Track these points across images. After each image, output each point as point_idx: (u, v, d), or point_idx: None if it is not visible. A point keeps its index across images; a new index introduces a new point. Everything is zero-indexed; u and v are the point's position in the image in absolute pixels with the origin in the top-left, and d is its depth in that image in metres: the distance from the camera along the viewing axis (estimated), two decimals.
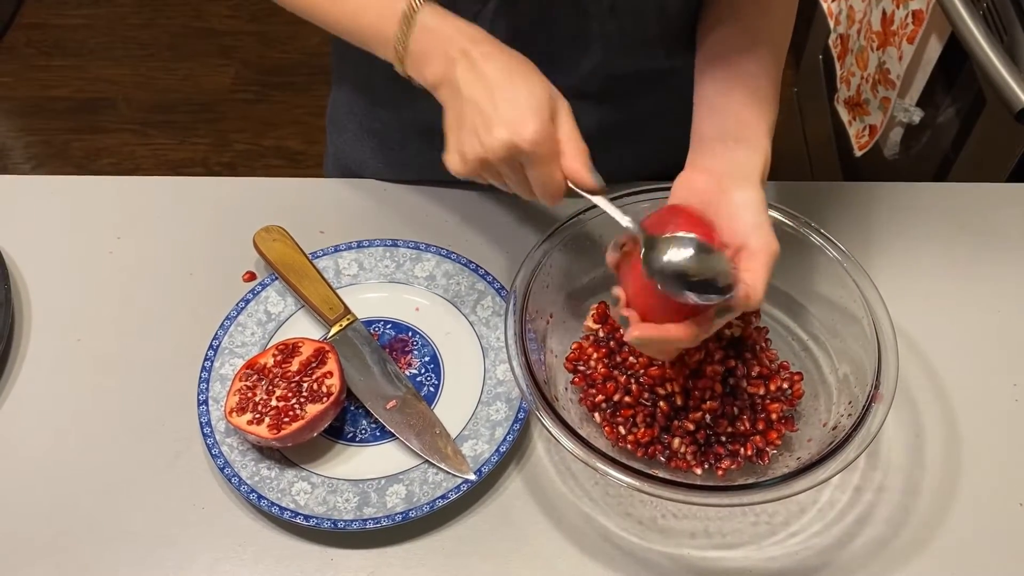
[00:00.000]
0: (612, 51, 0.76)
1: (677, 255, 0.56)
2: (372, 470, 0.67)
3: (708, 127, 0.66)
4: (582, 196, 0.59)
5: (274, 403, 0.67)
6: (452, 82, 0.58)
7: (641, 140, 0.85)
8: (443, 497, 0.65)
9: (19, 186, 0.88)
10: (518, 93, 0.56)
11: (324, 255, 0.79)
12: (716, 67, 0.69)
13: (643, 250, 0.56)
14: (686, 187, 0.63)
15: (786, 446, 0.67)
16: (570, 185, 0.59)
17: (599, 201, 0.59)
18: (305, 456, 0.68)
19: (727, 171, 0.62)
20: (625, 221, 0.58)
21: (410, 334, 0.76)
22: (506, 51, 0.59)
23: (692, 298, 0.55)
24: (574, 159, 0.58)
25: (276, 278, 0.77)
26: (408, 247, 0.79)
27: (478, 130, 0.57)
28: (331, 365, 0.69)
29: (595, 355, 0.69)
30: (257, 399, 0.67)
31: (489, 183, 0.61)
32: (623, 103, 0.82)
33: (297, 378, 0.68)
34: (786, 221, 0.71)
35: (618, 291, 0.61)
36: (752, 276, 0.57)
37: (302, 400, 0.67)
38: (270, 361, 0.69)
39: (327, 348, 0.70)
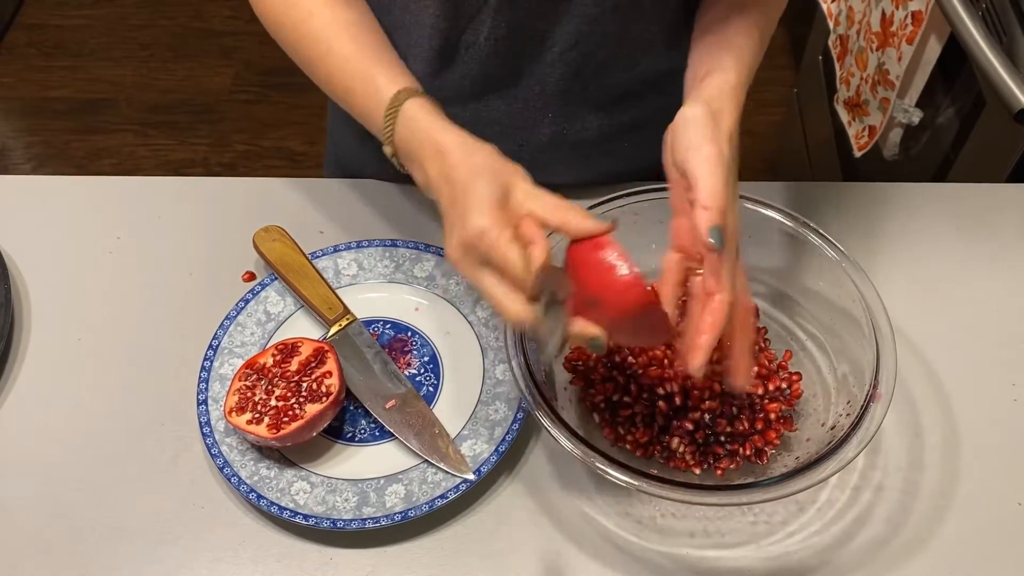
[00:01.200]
0: (612, 53, 0.76)
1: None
2: (371, 470, 0.67)
3: (686, 83, 0.68)
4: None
5: (273, 403, 0.67)
6: (435, 190, 0.61)
7: (642, 142, 0.85)
8: (442, 497, 0.65)
9: (19, 186, 0.88)
10: (469, 196, 0.58)
11: (323, 255, 0.79)
12: (702, 37, 0.70)
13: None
14: (665, 144, 0.63)
15: (785, 446, 0.67)
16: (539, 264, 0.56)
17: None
18: (304, 456, 0.68)
19: (708, 97, 0.62)
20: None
21: (409, 334, 0.76)
22: (470, 146, 0.60)
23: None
24: (570, 215, 0.57)
25: (276, 278, 0.77)
26: (407, 247, 0.79)
27: (447, 236, 0.59)
28: (330, 365, 0.69)
29: (594, 355, 0.69)
30: (256, 399, 0.67)
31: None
32: (624, 107, 0.82)
33: (296, 378, 0.68)
34: (785, 221, 0.71)
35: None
36: (701, 187, 0.57)
37: (301, 400, 0.67)
38: (269, 361, 0.69)
39: (326, 348, 0.70)
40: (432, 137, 0.61)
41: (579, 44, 0.74)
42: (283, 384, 0.68)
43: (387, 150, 0.65)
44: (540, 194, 0.58)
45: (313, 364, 0.69)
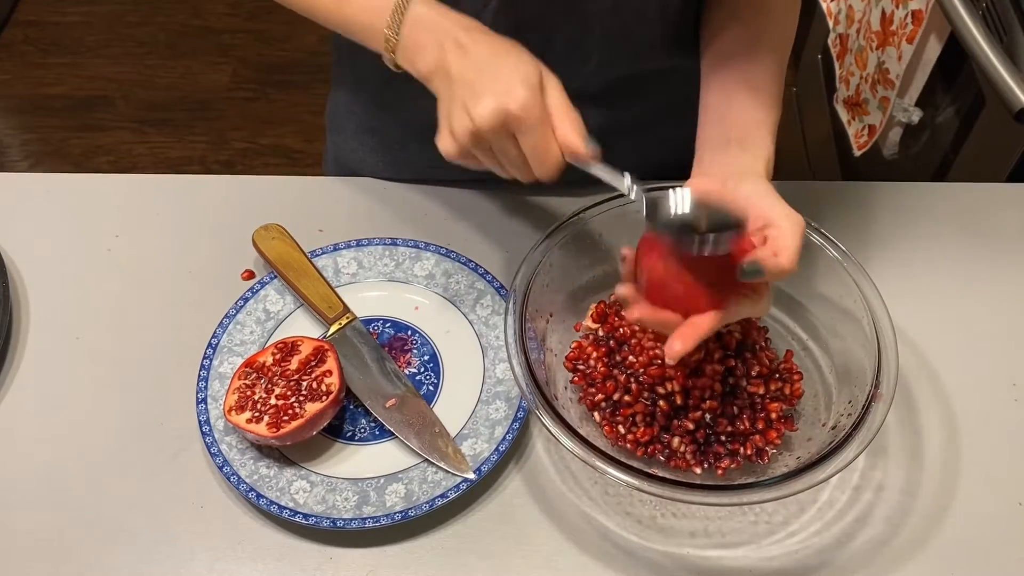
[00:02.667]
0: (614, 51, 0.76)
1: (680, 204, 0.57)
2: (371, 469, 0.67)
3: (711, 133, 0.67)
4: (579, 167, 0.58)
5: (273, 402, 0.66)
6: (444, 68, 0.59)
7: (642, 139, 0.85)
8: (442, 496, 0.65)
9: (18, 184, 0.87)
10: (505, 66, 0.56)
11: (323, 254, 0.79)
12: (719, 73, 0.70)
13: (645, 211, 0.57)
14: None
15: (786, 445, 0.67)
16: (566, 158, 0.58)
17: (596, 169, 0.58)
18: (304, 455, 0.68)
19: (731, 173, 0.63)
20: (624, 185, 0.58)
21: (409, 333, 0.75)
22: (496, 35, 0.59)
23: (708, 244, 0.55)
24: (566, 127, 0.58)
25: (275, 276, 0.77)
26: (407, 246, 0.79)
27: (467, 104, 0.57)
28: (330, 364, 0.69)
29: (595, 354, 0.69)
30: (256, 397, 0.67)
31: (486, 170, 0.61)
32: (625, 104, 0.82)
33: (296, 377, 0.68)
34: None
35: (624, 290, 0.61)
36: (781, 241, 0.58)
37: (301, 399, 0.67)
38: (269, 360, 0.69)
39: (326, 347, 0.70)
40: (456, 18, 0.59)
41: (579, 43, 0.74)
42: (283, 383, 0.68)
43: (386, 52, 0.62)
44: (570, 107, 0.58)
45: (313, 363, 0.69)
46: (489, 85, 0.56)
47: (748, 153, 0.64)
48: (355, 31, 0.65)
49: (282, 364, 0.69)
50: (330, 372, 0.68)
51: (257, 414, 0.66)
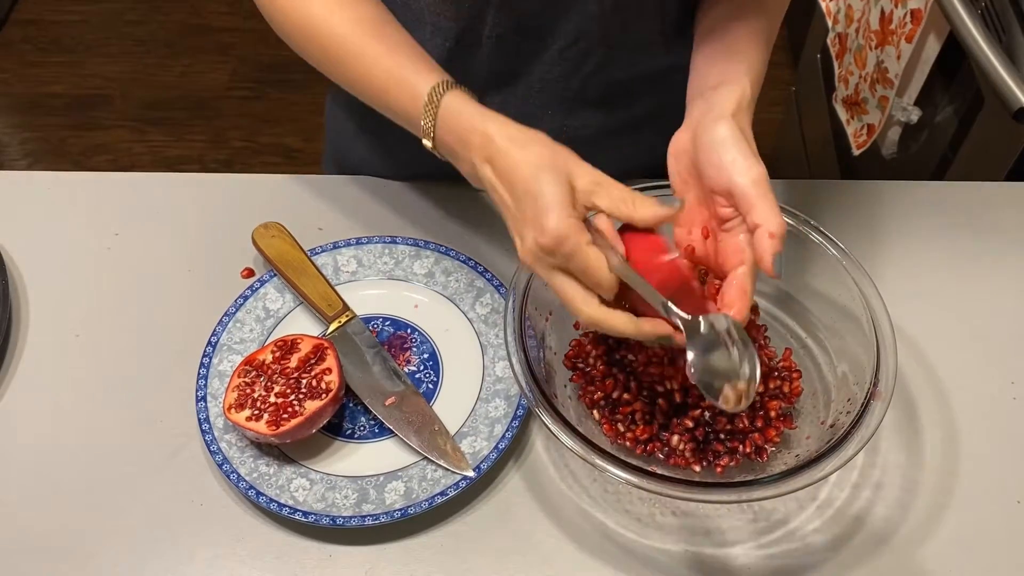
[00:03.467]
0: (614, 51, 0.76)
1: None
2: (371, 467, 0.67)
3: (691, 90, 0.67)
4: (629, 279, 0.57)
5: (273, 399, 0.67)
6: (484, 184, 0.60)
7: (641, 137, 0.85)
8: (442, 494, 0.65)
9: (18, 182, 0.87)
10: (529, 195, 0.57)
11: (323, 252, 0.79)
12: (706, 41, 0.70)
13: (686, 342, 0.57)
14: (673, 152, 0.64)
15: (785, 443, 0.67)
16: (620, 270, 0.57)
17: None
18: (304, 453, 0.68)
19: (699, 120, 0.62)
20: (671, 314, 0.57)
21: (409, 331, 0.75)
22: (522, 153, 0.58)
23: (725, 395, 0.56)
24: (637, 206, 0.57)
25: (275, 275, 0.77)
26: (407, 244, 0.79)
27: (516, 235, 0.59)
28: (330, 362, 0.69)
29: (594, 352, 0.69)
30: (256, 395, 0.67)
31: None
32: (624, 105, 0.82)
33: (296, 374, 0.68)
34: (785, 219, 0.70)
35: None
36: (759, 211, 0.57)
37: (301, 396, 0.67)
38: (268, 357, 0.69)
39: (326, 345, 0.70)
40: (477, 127, 0.60)
41: (579, 41, 0.74)
42: (282, 381, 0.68)
43: (427, 144, 0.64)
44: (604, 183, 0.58)
45: (312, 361, 0.69)
46: (524, 218, 0.57)
47: (719, 93, 0.63)
48: (395, 117, 0.67)
49: (282, 362, 0.69)
50: (329, 370, 0.68)
51: (256, 412, 0.66)
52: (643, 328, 0.57)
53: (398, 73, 0.65)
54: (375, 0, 0.70)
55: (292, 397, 0.67)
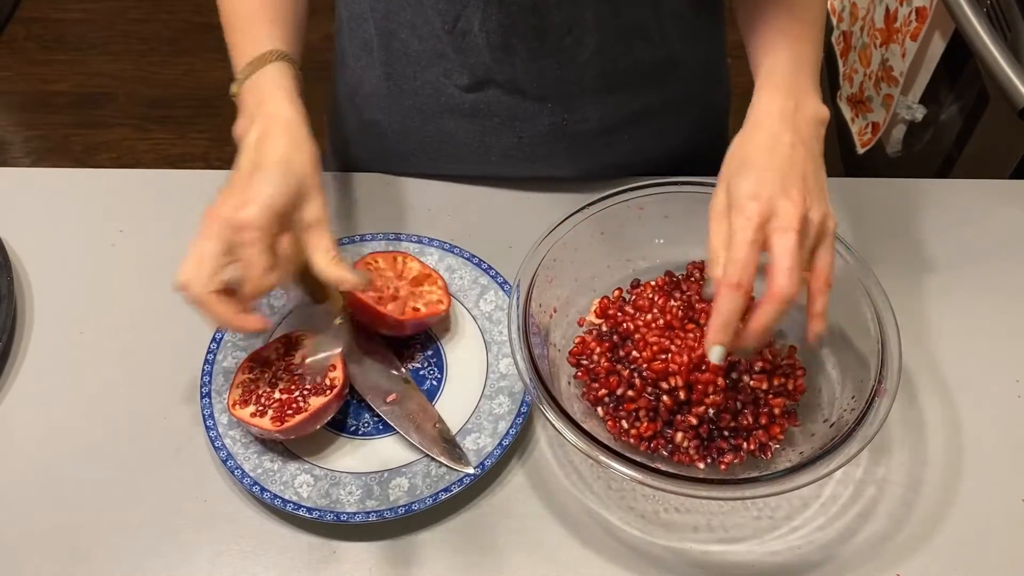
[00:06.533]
0: (608, 39, 0.76)
1: None
2: (375, 463, 0.67)
3: (761, 68, 0.67)
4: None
5: (277, 396, 0.67)
6: (240, 145, 0.65)
7: (641, 134, 0.85)
8: (446, 490, 0.65)
9: (22, 179, 0.88)
10: (260, 186, 0.61)
11: None
12: (752, 33, 0.70)
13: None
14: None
15: (789, 441, 0.67)
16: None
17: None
18: (308, 449, 0.68)
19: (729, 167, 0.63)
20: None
21: None
22: (287, 145, 0.63)
23: None
24: (333, 265, 0.62)
25: None
26: (411, 241, 0.79)
27: (222, 194, 0.63)
28: (334, 358, 0.69)
29: (598, 349, 0.69)
30: (260, 392, 0.67)
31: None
32: (623, 98, 0.82)
33: (300, 371, 0.68)
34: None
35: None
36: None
37: (305, 393, 0.67)
38: (273, 354, 0.69)
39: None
40: (274, 98, 0.65)
41: (574, 31, 0.74)
42: (287, 377, 0.68)
43: (233, 88, 0.69)
44: (323, 231, 0.62)
45: None
46: (242, 187, 0.62)
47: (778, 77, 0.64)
48: (230, 53, 0.72)
49: (286, 358, 0.69)
50: (334, 367, 0.68)
51: (261, 408, 0.66)
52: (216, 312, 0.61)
53: (255, 23, 0.70)
54: None
55: (297, 393, 0.67)
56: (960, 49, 1.16)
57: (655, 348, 0.67)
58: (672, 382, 0.66)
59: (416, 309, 0.71)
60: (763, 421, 0.66)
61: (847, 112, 1.50)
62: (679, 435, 0.65)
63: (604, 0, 0.72)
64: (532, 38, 0.74)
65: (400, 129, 0.86)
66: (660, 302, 0.70)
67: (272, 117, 0.65)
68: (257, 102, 0.66)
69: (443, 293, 0.74)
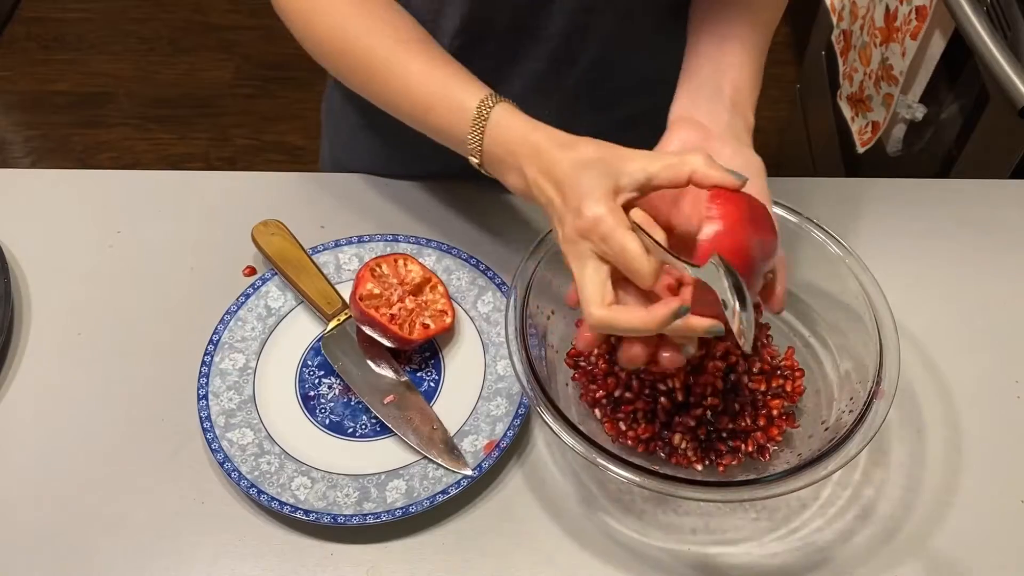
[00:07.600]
0: (603, 48, 0.76)
1: None
2: (372, 465, 0.67)
3: (705, 78, 0.67)
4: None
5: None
6: (529, 188, 0.60)
7: (636, 140, 0.85)
8: (443, 492, 0.65)
9: (20, 179, 0.88)
10: (580, 190, 0.56)
11: (324, 250, 0.79)
12: (709, 24, 0.70)
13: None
14: (679, 138, 0.64)
15: (787, 442, 0.67)
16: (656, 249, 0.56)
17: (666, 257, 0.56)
18: (305, 451, 0.68)
19: (718, 134, 0.63)
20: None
21: None
22: (567, 154, 0.58)
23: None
24: (699, 164, 0.56)
25: (276, 273, 0.77)
26: (409, 242, 0.79)
27: (558, 225, 0.58)
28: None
29: (596, 351, 0.69)
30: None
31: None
32: (620, 105, 0.82)
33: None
34: (788, 217, 0.70)
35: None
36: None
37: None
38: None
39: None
40: (526, 138, 0.60)
41: (570, 38, 0.74)
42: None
43: (473, 161, 0.63)
44: (655, 163, 0.57)
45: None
46: (567, 207, 0.57)
47: (738, 118, 0.65)
48: (437, 136, 0.66)
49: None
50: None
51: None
52: (657, 314, 0.54)
53: (442, 91, 0.64)
54: (403, 11, 0.69)
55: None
56: (960, 48, 1.15)
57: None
58: (670, 384, 0.66)
59: (426, 326, 0.72)
60: (761, 423, 0.66)
61: (847, 111, 1.50)
62: (677, 437, 0.65)
63: (593, 13, 0.72)
64: (526, 46, 0.74)
65: (397, 130, 0.86)
66: None
67: (532, 152, 0.60)
68: (509, 153, 0.61)
69: (446, 300, 0.74)
